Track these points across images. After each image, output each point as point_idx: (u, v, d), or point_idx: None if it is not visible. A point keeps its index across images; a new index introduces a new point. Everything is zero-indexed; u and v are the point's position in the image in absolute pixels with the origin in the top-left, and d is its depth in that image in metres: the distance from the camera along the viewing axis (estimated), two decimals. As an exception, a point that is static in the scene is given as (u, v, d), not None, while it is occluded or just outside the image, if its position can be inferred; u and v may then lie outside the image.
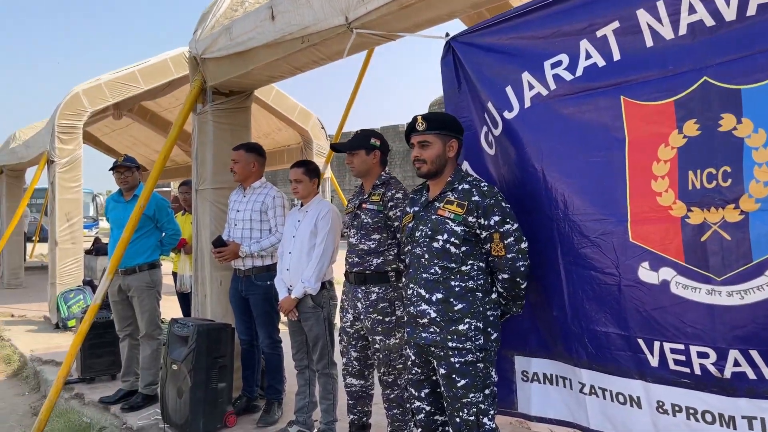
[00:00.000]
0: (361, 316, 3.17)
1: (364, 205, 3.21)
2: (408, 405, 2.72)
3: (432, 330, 2.47)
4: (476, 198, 2.44)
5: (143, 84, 8.19)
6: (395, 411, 3.20)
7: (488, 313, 2.47)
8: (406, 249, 2.64)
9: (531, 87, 2.51)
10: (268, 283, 3.89)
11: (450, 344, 2.42)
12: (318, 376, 3.66)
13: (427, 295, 2.48)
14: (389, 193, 3.15)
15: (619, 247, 2.29)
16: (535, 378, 2.69)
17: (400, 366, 3.15)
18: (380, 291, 3.12)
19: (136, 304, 4.50)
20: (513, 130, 2.56)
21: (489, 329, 2.46)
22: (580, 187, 2.38)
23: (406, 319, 2.61)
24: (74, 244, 7.83)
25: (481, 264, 2.48)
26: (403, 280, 2.64)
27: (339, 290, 3.56)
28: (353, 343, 3.28)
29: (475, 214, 2.43)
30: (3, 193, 11.36)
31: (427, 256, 2.50)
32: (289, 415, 4.13)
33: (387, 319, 3.11)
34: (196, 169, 4.47)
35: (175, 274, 5.74)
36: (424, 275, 2.49)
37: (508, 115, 2.57)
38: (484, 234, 2.44)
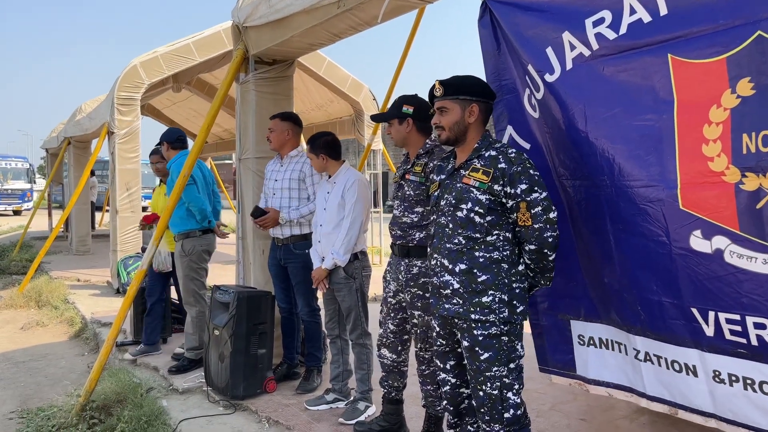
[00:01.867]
0: (403, 289, 3.10)
1: (407, 176, 3.07)
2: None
3: (455, 301, 2.40)
4: (503, 165, 2.33)
5: (198, 56, 8.32)
6: (429, 387, 3.14)
7: (514, 285, 2.37)
8: (432, 218, 2.55)
9: (572, 48, 2.36)
10: (307, 251, 3.89)
11: (473, 316, 2.34)
12: (352, 346, 3.65)
13: (450, 266, 2.40)
14: (431, 164, 2.97)
15: (669, 215, 2.17)
16: (591, 342, 2.62)
17: None
18: (423, 265, 2.99)
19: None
20: (555, 94, 2.43)
21: (514, 302, 2.36)
22: (627, 151, 2.24)
23: (430, 289, 2.53)
24: (133, 213, 8.11)
25: (507, 234, 2.38)
26: (428, 250, 2.56)
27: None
28: (392, 314, 3.21)
29: (501, 182, 2.32)
30: (71, 163, 11.88)
31: (451, 226, 2.41)
32: (328, 382, 4.16)
33: (427, 295, 2.95)
34: (239, 139, 4.50)
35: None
36: (448, 245, 2.41)
37: (549, 78, 2.43)
38: (511, 203, 2.33)
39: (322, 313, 4.11)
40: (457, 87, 2.42)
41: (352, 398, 3.74)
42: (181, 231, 4.65)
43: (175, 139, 4.82)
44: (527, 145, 2.61)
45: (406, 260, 3.06)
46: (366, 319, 3.62)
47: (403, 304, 3.15)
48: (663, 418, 3.54)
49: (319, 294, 4.10)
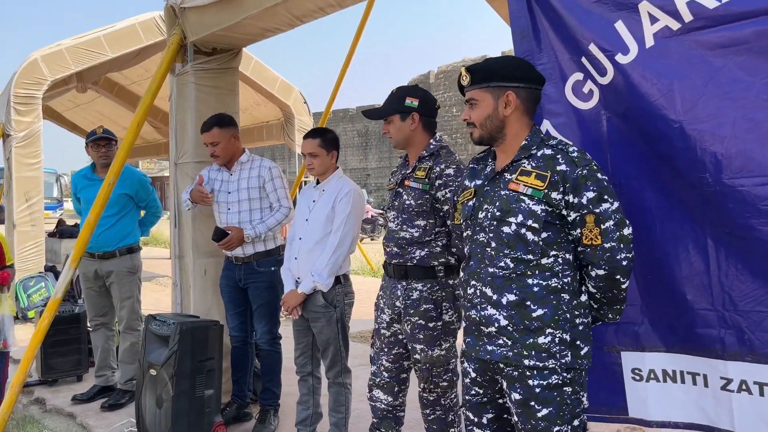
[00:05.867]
0: (400, 318, 2.59)
1: (406, 182, 2.58)
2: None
3: (501, 342, 1.91)
4: (563, 167, 1.87)
5: (109, 51, 7.53)
6: None
7: (577, 321, 1.91)
8: (466, 234, 2.06)
9: (654, 20, 1.95)
10: (273, 269, 3.36)
11: (526, 362, 1.86)
12: (329, 386, 3.10)
13: (494, 296, 1.91)
14: (437, 168, 2.51)
15: None
16: (652, 376, 2.19)
17: (445, 384, 2.58)
18: (424, 289, 2.53)
19: (115, 292, 4.11)
20: (631, 78, 2.00)
21: (578, 342, 1.90)
22: (741, 144, 1.85)
23: (465, 324, 2.04)
24: (34, 227, 7.15)
25: (567, 256, 1.91)
26: (461, 274, 2.06)
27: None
28: (386, 349, 2.67)
29: (562, 189, 1.86)
30: (-46, 171, 10.49)
31: (494, 245, 1.92)
32: (285, 424, 3.60)
33: (431, 325, 2.51)
34: (175, 140, 3.85)
35: None
36: (491, 270, 1.92)
37: (622, 59, 2.00)
38: (573, 216, 1.87)
39: (283, 342, 3.56)
40: (486, 72, 1.95)
41: (321, 445, 3.19)
42: (132, 243, 4.14)
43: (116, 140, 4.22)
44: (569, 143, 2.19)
45: (404, 283, 2.56)
46: (347, 354, 3.08)
47: (400, 336, 2.63)
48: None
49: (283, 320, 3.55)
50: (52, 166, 23.45)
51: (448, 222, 2.46)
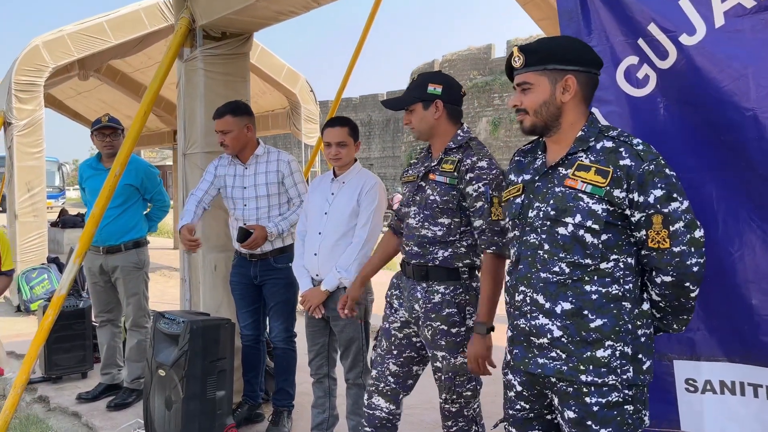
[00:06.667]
0: (420, 322, 2.40)
1: (431, 176, 2.36)
2: None
3: (555, 355, 1.73)
4: (627, 162, 1.68)
5: (112, 37, 7.36)
6: None
7: (639, 332, 1.73)
8: (513, 235, 1.88)
9: None
10: (290, 265, 3.21)
11: (583, 378, 1.69)
12: (348, 387, 2.95)
13: (547, 305, 1.73)
14: (468, 161, 2.28)
15: None
16: (708, 388, 2.02)
17: (468, 393, 2.40)
18: (447, 292, 2.32)
19: (120, 288, 3.94)
20: (696, 61, 1.83)
21: (640, 355, 1.72)
22: None
23: (512, 334, 1.87)
24: (37, 217, 7.01)
25: (628, 260, 1.73)
26: (507, 279, 1.89)
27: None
28: (395, 352, 2.47)
29: (625, 186, 1.67)
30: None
31: (547, 247, 1.74)
32: (299, 425, 3.47)
33: (454, 330, 2.31)
34: (183, 129, 3.68)
35: None
36: (544, 275, 1.74)
37: (687, 40, 1.83)
38: (638, 216, 1.68)
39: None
40: (544, 54, 1.76)
41: (339, 449, 3.05)
42: (139, 237, 3.98)
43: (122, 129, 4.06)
44: None
45: (424, 284, 2.36)
46: (368, 353, 2.94)
47: (414, 339, 2.45)
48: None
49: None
50: (53, 155, 23.26)
51: (485, 219, 2.26)
